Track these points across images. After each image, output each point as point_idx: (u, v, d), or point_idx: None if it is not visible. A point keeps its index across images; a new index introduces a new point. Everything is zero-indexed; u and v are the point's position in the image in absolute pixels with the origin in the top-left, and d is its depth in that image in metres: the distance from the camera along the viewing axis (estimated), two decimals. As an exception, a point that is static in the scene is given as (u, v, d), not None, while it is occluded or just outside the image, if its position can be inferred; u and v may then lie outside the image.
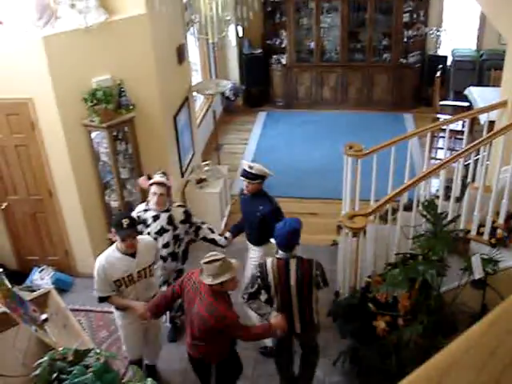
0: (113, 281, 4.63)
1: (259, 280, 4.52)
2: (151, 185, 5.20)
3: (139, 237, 4.76)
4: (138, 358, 5.19)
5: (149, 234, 5.22)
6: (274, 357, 5.12)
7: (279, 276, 4.49)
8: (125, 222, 4.43)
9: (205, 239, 5.56)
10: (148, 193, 5.31)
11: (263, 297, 4.64)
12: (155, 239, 5.18)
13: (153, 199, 5.22)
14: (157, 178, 5.19)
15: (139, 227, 5.09)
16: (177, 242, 5.40)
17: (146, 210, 5.31)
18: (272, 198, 5.48)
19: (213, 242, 5.53)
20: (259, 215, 5.33)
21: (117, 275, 4.62)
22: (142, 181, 5.44)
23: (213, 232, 5.58)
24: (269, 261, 4.56)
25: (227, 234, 5.67)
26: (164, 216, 5.27)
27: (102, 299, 4.72)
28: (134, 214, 5.22)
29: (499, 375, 0.55)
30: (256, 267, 4.71)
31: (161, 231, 5.28)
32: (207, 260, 4.10)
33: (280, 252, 4.56)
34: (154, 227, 5.27)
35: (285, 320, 4.44)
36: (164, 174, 5.30)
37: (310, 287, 4.55)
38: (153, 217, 5.28)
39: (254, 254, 5.60)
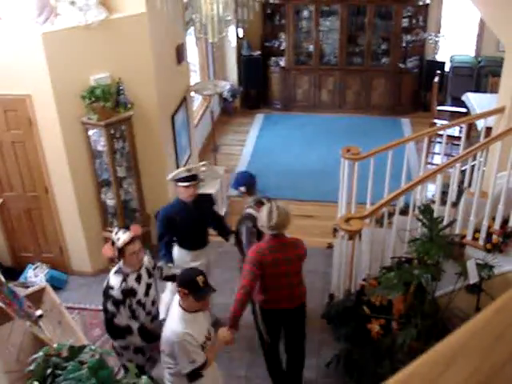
0: (200, 345, 3.91)
1: (254, 229, 4.95)
2: (123, 248, 4.23)
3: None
4: None
5: (139, 301, 4.37)
6: None
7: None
8: (200, 280, 3.79)
9: (167, 278, 4.91)
10: (122, 257, 4.30)
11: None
12: (144, 303, 4.42)
13: (133, 259, 4.30)
14: (123, 237, 4.24)
15: (128, 301, 4.28)
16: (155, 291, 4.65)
17: (125, 279, 4.29)
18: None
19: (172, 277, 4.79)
20: (209, 209, 5.59)
21: (201, 337, 3.93)
22: (108, 250, 4.32)
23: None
24: (249, 210, 5.11)
25: (171, 266, 5.10)
26: (143, 271, 4.44)
27: (204, 366, 3.91)
28: (118, 293, 4.24)
29: (505, 360, 0.56)
30: (245, 222, 5.14)
31: (147, 290, 4.46)
32: (275, 213, 4.33)
33: (250, 199, 5.20)
34: (142, 290, 4.39)
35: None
36: (126, 228, 4.45)
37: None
38: (136, 280, 4.35)
39: (208, 253, 5.73)
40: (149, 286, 4.45)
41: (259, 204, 4.96)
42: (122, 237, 4.22)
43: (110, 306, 4.23)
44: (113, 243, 4.24)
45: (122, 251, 4.22)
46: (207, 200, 5.68)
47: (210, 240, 5.69)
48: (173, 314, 3.92)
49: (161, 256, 5.27)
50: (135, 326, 4.30)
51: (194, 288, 3.77)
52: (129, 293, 4.25)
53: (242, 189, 5.37)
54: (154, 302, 4.58)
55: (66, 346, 3.15)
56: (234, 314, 4.29)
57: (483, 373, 0.53)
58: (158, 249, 5.45)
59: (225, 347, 4.32)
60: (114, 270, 4.36)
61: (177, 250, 5.51)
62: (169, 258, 5.29)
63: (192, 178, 5.19)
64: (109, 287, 4.25)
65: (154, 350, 4.46)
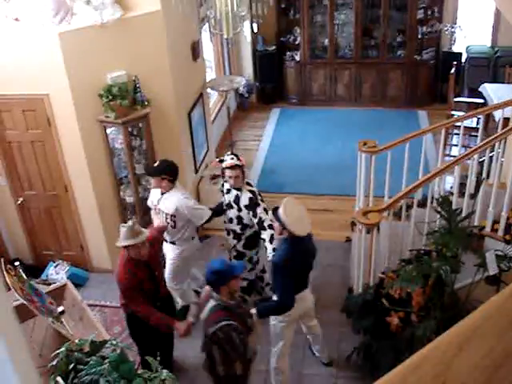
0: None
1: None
2: (224, 169, 5.36)
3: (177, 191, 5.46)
4: None
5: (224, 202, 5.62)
6: None
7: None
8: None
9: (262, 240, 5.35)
10: (223, 175, 5.54)
11: None
12: (225, 210, 5.57)
13: (229, 182, 5.39)
14: (228, 161, 5.30)
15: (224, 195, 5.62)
16: (240, 223, 5.50)
17: (227, 191, 5.56)
18: (288, 253, 4.71)
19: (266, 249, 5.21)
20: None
21: (150, 201, 5.70)
22: (214, 163, 5.80)
23: (270, 242, 5.12)
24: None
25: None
26: (233, 193, 5.44)
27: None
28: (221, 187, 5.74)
29: (519, 343, 0.57)
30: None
31: (228, 205, 5.52)
32: (123, 224, 4.63)
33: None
34: (227, 199, 5.55)
35: (188, 328, 4.63)
36: (235, 155, 5.41)
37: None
38: (227, 189, 5.54)
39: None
40: (230, 206, 5.52)
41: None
42: (227, 159, 5.33)
43: None
44: (221, 161, 5.47)
45: (223, 171, 5.43)
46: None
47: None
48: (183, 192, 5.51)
49: None
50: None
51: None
52: (223, 190, 5.63)
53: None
54: (231, 222, 5.61)
55: (88, 342, 3.19)
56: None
57: (496, 355, 0.54)
58: None
59: None
60: None
61: None
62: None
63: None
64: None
65: None
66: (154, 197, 5.56)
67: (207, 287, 4.27)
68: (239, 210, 5.44)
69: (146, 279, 4.58)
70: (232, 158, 5.29)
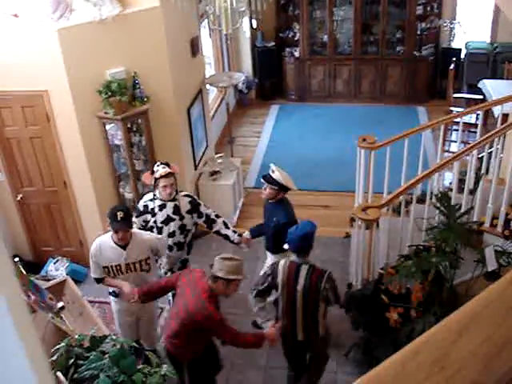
0: (102, 266, 4.71)
1: (269, 278, 4.48)
2: (158, 179, 5.09)
3: (138, 231, 4.81)
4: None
5: (155, 223, 5.22)
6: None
7: (288, 279, 4.39)
8: (119, 214, 4.41)
9: (218, 233, 5.43)
10: (156, 186, 5.16)
11: (272, 297, 4.62)
12: (161, 228, 5.21)
13: (164, 192, 5.12)
14: (160, 170, 5.06)
15: (146, 217, 5.22)
16: (183, 232, 5.32)
17: (152, 200, 5.25)
18: (290, 210, 5.35)
19: (226, 237, 5.42)
20: (273, 225, 5.28)
21: (104, 262, 4.67)
22: (146, 177, 5.28)
23: (227, 227, 5.42)
24: (282, 262, 4.49)
25: (245, 233, 5.55)
26: (170, 205, 5.21)
27: (96, 280, 4.82)
28: (141, 204, 5.30)
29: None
30: (270, 266, 4.67)
31: (167, 220, 5.22)
32: (226, 257, 4.12)
33: (294, 256, 4.48)
34: (161, 216, 5.22)
35: (278, 334, 4.40)
36: (166, 164, 5.15)
37: (316, 299, 4.39)
38: (159, 206, 5.22)
39: (269, 260, 5.56)
40: (169, 219, 5.20)
41: (293, 266, 4.43)
42: (160, 170, 5.05)
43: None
44: (152, 172, 5.13)
45: (156, 182, 5.09)
46: (280, 216, 5.26)
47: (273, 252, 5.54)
48: (108, 233, 4.70)
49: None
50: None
51: (111, 219, 4.44)
52: (147, 210, 5.23)
53: (285, 246, 4.61)
54: (172, 236, 5.27)
55: (88, 337, 3.20)
56: (144, 287, 4.62)
57: (495, 341, 0.54)
58: None
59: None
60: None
61: None
62: (253, 227, 5.69)
63: (266, 178, 5.26)
64: (140, 197, 5.36)
65: None
66: (113, 258, 4.71)
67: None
68: (181, 218, 5.25)
69: None
70: (164, 167, 5.06)
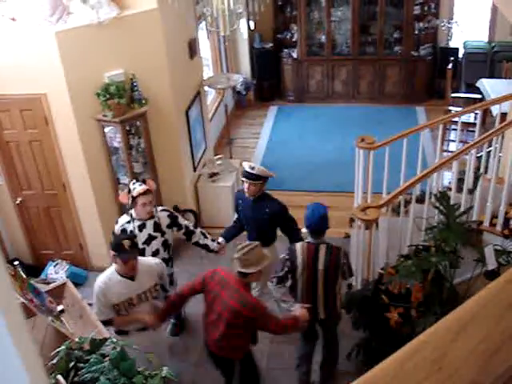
0: (112, 305, 4.33)
1: (288, 262, 4.59)
2: (136, 197, 4.81)
3: (139, 258, 4.44)
4: None
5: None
6: (300, 345, 5.16)
7: (307, 260, 4.53)
8: (126, 243, 4.13)
9: (197, 244, 5.34)
10: (134, 205, 4.90)
11: (288, 283, 4.69)
12: (143, 250, 4.92)
13: (143, 211, 4.88)
14: (138, 188, 4.79)
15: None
16: (166, 248, 5.17)
17: (129, 221, 4.97)
18: (275, 198, 5.39)
19: (205, 247, 5.34)
20: (267, 216, 5.27)
21: (115, 300, 4.31)
22: (123, 197, 5.04)
23: (206, 237, 5.35)
24: (298, 244, 4.63)
25: (220, 239, 5.50)
26: (150, 223, 4.97)
27: (105, 323, 4.33)
28: (118, 228, 4.99)
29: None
30: (285, 250, 4.74)
31: (148, 240, 4.99)
32: (245, 250, 4.10)
33: (309, 238, 4.62)
34: (142, 237, 4.95)
35: (308, 312, 4.46)
36: (142, 181, 4.96)
37: (337, 274, 4.62)
38: (138, 226, 4.96)
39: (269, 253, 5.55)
40: (151, 238, 4.97)
41: (312, 247, 4.57)
42: (137, 188, 4.78)
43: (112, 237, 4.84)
44: (129, 191, 4.84)
45: (134, 200, 4.82)
46: (271, 207, 5.31)
47: (272, 244, 5.54)
48: (110, 268, 4.40)
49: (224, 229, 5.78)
50: None
51: (119, 250, 4.15)
52: (125, 233, 4.89)
53: (304, 230, 4.84)
54: (156, 254, 5.02)
55: (88, 340, 3.20)
56: (162, 308, 4.52)
57: (493, 340, 0.54)
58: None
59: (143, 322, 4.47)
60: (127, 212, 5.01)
61: None
62: (224, 232, 5.66)
63: (249, 176, 5.17)
64: (115, 222, 4.96)
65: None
66: (123, 292, 4.39)
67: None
68: (163, 234, 5.07)
69: None
70: (140, 184, 4.84)
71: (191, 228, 5.27)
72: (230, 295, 4.14)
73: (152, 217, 4.99)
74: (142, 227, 4.96)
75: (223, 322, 4.20)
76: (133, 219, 4.95)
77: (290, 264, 4.57)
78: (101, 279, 4.34)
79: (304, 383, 5.21)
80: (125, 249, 4.12)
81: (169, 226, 5.12)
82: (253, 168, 5.18)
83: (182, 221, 5.23)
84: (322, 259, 4.54)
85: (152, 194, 4.92)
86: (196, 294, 4.47)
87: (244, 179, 5.22)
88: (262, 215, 5.29)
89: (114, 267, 4.33)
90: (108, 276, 4.33)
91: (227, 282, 4.20)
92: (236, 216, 5.69)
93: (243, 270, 4.09)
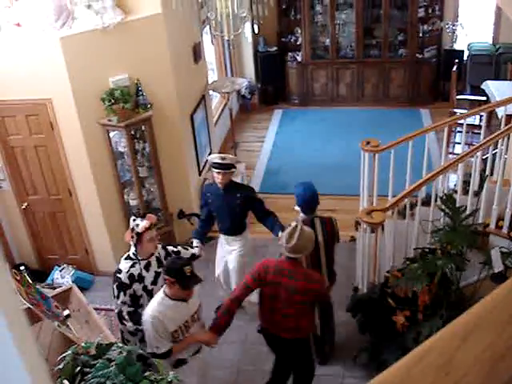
0: (170, 333, 4.06)
1: None
2: (141, 234, 4.41)
3: None
4: None
5: (145, 289, 4.50)
6: None
7: None
8: (187, 270, 3.92)
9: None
10: (139, 243, 4.47)
11: None
12: (151, 291, 4.48)
13: (150, 246, 4.53)
14: (142, 223, 4.42)
15: (133, 288, 4.44)
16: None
17: (133, 265, 4.49)
18: (242, 183, 5.51)
19: (192, 257, 5.03)
20: (240, 201, 5.40)
21: (173, 326, 4.06)
22: (128, 235, 4.54)
23: (187, 249, 5.10)
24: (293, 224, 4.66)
25: (195, 242, 5.40)
26: (153, 260, 4.59)
27: (165, 355, 4.06)
28: (124, 276, 4.43)
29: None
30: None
31: (155, 278, 4.57)
32: (296, 236, 4.10)
33: (302, 215, 4.82)
34: (149, 277, 4.54)
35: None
36: (143, 216, 4.63)
37: (334, 242, 4.94)
38: (144, 267, 4.52)
39: (240, 243, 5.68)
40: (157, 275, 4.54)
41: (308, 222, 4.68)
42: (141, 223, 4.41)
43: (114, 290, 4.40)
44: (132, 229, 4.42)
45: (140, 237, 4.40)
46: (242, 192, 5.50)
47: (245, 231, 5.71)
48: (155, 296, 4.12)
49: (193, 232, 5.67)
50: (126, 310, 4.42)
51: (181, 277, 3.90)
52: (135, 278, 4.43)
53: (297, 208, 4.94)
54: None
55: (94, 344, 3.20)
56: (217, 320, 4.33)
57: (498, 347, 0.54)
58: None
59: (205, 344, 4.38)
60: (125, 255, 4.54)
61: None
62: (197, 234, 5.56)
63: (222, 167, 5.27)
64: (117, 271, 4.44)
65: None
66: (179, 316, 4.17)
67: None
68: (160, 265, 4.65)
69: None
70: (142, 220, 4.47)
71: (177, 250, 4.96)
72: (292, 278, 4.20)
73: (152, 253, 4.64)
74: (147, 267, 4.55)
75: (292, 305, 4.27)
76: (138, 260, 4.50)
77: None
78: (151, 310, 4.01)
79: None
80: (187, 275, 3.92)
81: (165, 258, 4.72)
82: (224, 158, 5.29)
83: (171, 248, 4.91)
84: (319, 232, 4.76)
85: (155, 227, 4.63)
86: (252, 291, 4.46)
87: (217, 171, 5.30)
88: (235, 201, 5.41)
89: (161, 293, 4.07)
90: (159, 304, 4.03)
91: (282, 268, 4.24)
92: (203, 213, 5.74)
93: (297, 256, 4.18)
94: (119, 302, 4.41)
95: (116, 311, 4.49)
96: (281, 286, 4.23)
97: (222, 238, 5.84)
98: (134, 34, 5.92)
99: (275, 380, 4.94)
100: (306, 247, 4.18)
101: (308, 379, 4.86)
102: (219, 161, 5.26)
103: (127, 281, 4.39)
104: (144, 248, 4.49)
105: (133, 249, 4.49)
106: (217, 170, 5.30)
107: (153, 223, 4.51)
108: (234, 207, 5.45)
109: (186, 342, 4.18)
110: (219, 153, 5.43)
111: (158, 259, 4.62)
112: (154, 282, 4.55)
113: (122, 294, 4.38)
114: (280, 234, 5.03)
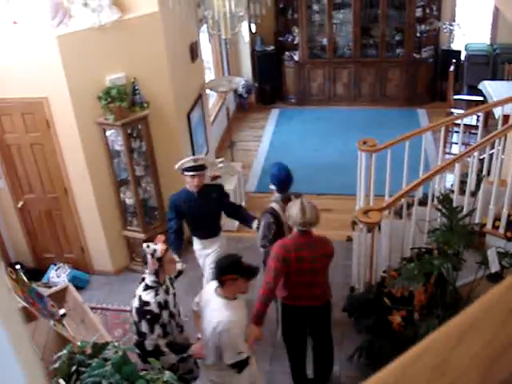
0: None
1: (273, 226, 4.93)
2: (162, 258, 4.11)
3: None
4: None
5: (171, 314, 4.25)
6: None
7: None
8: (243, 261, 3.94)
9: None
10: (160, 268, 4.14)
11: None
12: (174, 314, 4.31)
13: (171, 267, 4.32)
14: (159, 247, 4.13)
15: (163, 315, 4.15)
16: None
17: (157, 293, 4.15)
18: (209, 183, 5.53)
19: (179, 274, 4.84)
20: (217, 202, 5.44)
21: (243, 326, 4.04)
22: (153, 263, 4.11)
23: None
24: (273, 204, 5.05)
25: (176, 258, 4.90)
26: (168, 281, 4.36)
27: (243, 365, 4.03)
28: (154, 307, 4.09)
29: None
30: (265, 216, 5.02)
31: (174, 300, 4.37)
32: (308, 210, 4.29)
33: (278, 194, 5.09)
34: (171, 300, 4.29)
35: None
36: (151, 241, 4.32)
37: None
38: (165, 291, 4.24)
39: (217, 244, 5.62)
40: (174, 296, 4.36)
41: (286, 200, 4.87)
42: (157, 248, 4.10)
43: (145, 326, 4.06)
44: (152, 256, 4.08)
45: (161, 262, 4.10)
46: (216, 190, 5.55)
47: (221, 231, 5.74)
48: (213, 306, 3.98)
49: (169, 244, 5.21)
50: (163, 342, 4.13)
51: (242, 269, 3.90)
52: (163, 306, 4.14)
53: (272, 187, 5.14)
54: (180, 312, 4.47)
55: (90, 344, 3.19)
56: (257, 311, 4.43)
57: (495, 347, 0.54)
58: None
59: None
60: (141, 287, 4.18)
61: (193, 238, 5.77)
62: (176, 246, 5.21)
63: (197, 169, 5.23)
64: (143, 304, 4.07)
65: (187, 361, 4.42)
66: (243, 316, 4.15)
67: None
68: (174, 287, 4.48)
69: None
70: (156, 244, 4.15)
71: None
72: (311, 248, 4.41)
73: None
74: (168, 290, 4.29)
75: (316, 272, 4.48)
76: (159, 287, 4.17)
77: (276, 222, 4.90)
78: (223, 316, 3.88)
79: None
80: (246, 266, 3.92)
81: (176, 277, 4.66)
82: (197, 160, 5.27)
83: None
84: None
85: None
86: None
87: (191, 174, 5.20)
88: (212, 202, 5.40)
89: (220, 300, 3.97)
90: (226, 308, 3.93)
91: (300, 243, 4.41)
92: (173, 226, 5.42)
93: (310, 228, 4.41)
94: (154, 336, 4.09)
95: (150, 348, 4.09)
96: (305, 259, 4.39)
97: (198, 244, 5.66)
98: (130, 33, 5.90)
99: (317, 349, 5.05)
100: (318, 216, 4.39)
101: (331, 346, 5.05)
102: (193, 163, 5.17)
103: (158, 310, 4.10)
104: (166, 271, 4.23)
105: (151, 277, 4.14)
106: (191, 173, 5.18)
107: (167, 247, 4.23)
108: (212, 208, 5.42)
109: (249, 341, 4.18)
110: (192, 156, 5.31)
111: (171, 279, 4.41)
112: (174, 305, 4.32)
113: (156, 326, 4.09)
114: (255, 224, 5.32)
